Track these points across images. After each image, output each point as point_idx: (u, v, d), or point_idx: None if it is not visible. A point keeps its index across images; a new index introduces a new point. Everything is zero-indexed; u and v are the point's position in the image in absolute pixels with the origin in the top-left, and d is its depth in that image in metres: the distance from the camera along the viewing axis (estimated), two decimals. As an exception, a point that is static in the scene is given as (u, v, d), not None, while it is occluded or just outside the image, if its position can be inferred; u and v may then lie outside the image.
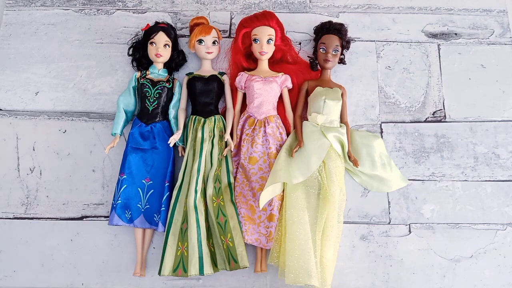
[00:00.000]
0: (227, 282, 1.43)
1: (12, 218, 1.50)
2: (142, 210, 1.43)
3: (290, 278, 1.28)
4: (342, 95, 1.51)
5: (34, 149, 1.56)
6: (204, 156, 1.44)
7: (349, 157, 1.47)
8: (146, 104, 1.50)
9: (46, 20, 1.72)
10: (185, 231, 1.35)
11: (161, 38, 1.53)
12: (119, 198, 1.40)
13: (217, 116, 1.52)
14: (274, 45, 1.55)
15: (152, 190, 1.45)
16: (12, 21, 1.71)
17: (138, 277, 1.42)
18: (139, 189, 1.44)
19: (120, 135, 1.49)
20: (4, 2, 1.74)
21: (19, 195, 1.52)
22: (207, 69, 1.58)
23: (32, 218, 1.49)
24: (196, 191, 1.38)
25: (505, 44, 1.70)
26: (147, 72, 1.55)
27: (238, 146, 1.51)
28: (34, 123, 1.59)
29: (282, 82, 1.54)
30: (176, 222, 1.38)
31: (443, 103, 1.63)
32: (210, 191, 1.40)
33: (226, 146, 1.48)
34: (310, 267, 1.28)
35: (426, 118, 1.61)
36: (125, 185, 1.42)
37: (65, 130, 1.59)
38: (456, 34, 1.71)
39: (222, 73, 1.58)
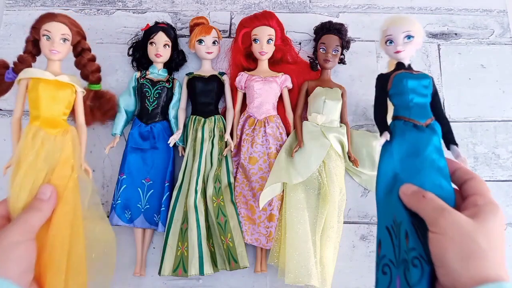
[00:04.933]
0: (227, 282, 1.42)
1: (12, 218, 1.49)
2: (142, 210, 1.43)
3: (290, 278, 1.27)
4: (342, 95, 1.50)
5: (34, 149, 1.56)
6: (204, 156, 1.43)
7: (349, 157, 1.46)
8: (146, 104, 1.50)
9: (46, 20, 1.71)
10: (185, 231, 1.35)
11: (161, 38, 1.53)
12: (119, 198, 1.40)
13: (217, 116, 1.52)
14: (274, 45, 1.55)
15: (152, 190, 1.44)
16: (12, 21, 1.71)
17: (138, 277, 1.41)
18: (139, 189, 1.44)
19: (120, 135, 1.49)
20: (4, 2, 1.74)
21: (19, 195, 1.51)
22: (207, 69, 1.58)
23: (32, 218, 1.49)
24: (196, 191, 1.37)
25: (505, 44, 1.70)
26: (147, 72, 1.54)
27: (238, 146, 1.51)
28: (34, 123, 1.59)
29: (282, 82, 1.53)
30: (176, 222, 1.38)
31: (443, 103, 1.62)
32: (210, 191, 1.40)
33: (226, 146, 1.48)
34: (310, 267, 1.27)
35: (426, 118, 1.60)
36: (125, 185, 1.42)
37: (65, 130, 1.58)
38: (456, 34, 1.71)
39: (222, 73, 1.58)
